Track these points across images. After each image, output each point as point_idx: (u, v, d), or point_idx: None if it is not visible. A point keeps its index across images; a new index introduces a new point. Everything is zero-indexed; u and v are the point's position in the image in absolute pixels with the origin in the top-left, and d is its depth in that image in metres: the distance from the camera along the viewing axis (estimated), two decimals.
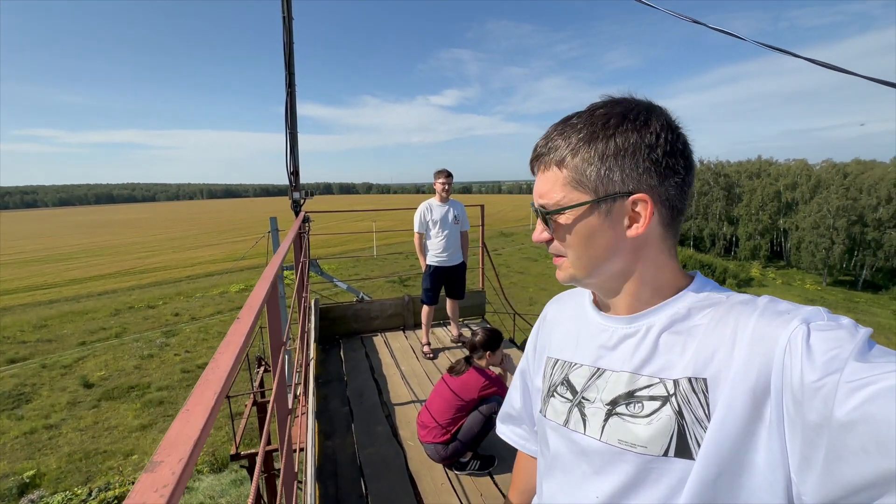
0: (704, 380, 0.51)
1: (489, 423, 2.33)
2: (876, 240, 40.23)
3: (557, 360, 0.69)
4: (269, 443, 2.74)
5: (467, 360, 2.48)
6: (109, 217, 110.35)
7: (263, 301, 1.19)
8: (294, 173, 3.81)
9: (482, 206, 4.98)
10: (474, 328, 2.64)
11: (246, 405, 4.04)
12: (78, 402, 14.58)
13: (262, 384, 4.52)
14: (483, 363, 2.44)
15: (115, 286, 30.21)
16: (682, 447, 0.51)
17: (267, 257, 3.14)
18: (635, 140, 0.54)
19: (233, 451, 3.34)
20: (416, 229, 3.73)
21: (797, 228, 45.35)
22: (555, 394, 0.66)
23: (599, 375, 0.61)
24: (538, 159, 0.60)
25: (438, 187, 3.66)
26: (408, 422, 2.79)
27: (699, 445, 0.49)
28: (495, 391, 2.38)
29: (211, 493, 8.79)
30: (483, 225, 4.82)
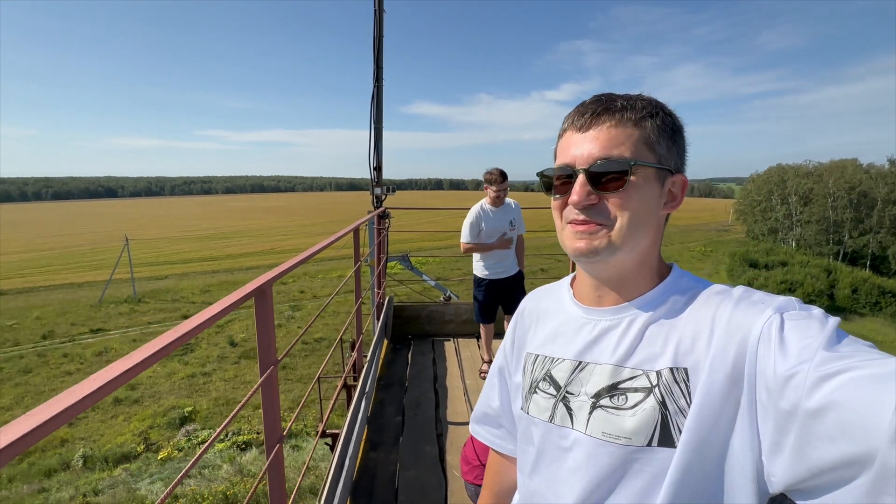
0: (685, 369, 0.52)
1: None
2: None
3: (538, 355, 0.68)
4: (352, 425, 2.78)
5: None
6: (258, 204, 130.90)
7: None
8: (377, 168, 3.78)
9: None
10: None
11: (336, 386, 4.33)
12: (225, 357, 17.65)
13: (353, 367, 4.81)
14: None
15: (259, 263, 35.76)
16: (665, 437, 0.51)
17: (356, 252, 3.23)
18: (680, 124, 0.59)
19: (320, 428, 3.60)
20: (464, 239, 3.15)
21: None
22: (537, 390, 0.65)
23: (582, 369, 0.60)
24: (606, 114, 0.56)
25: (492, 194, 3.09)
26: (459, 446, 2.54)
27: (681, 434, 0.50)
28: None
29: (315, 456, 9.85)
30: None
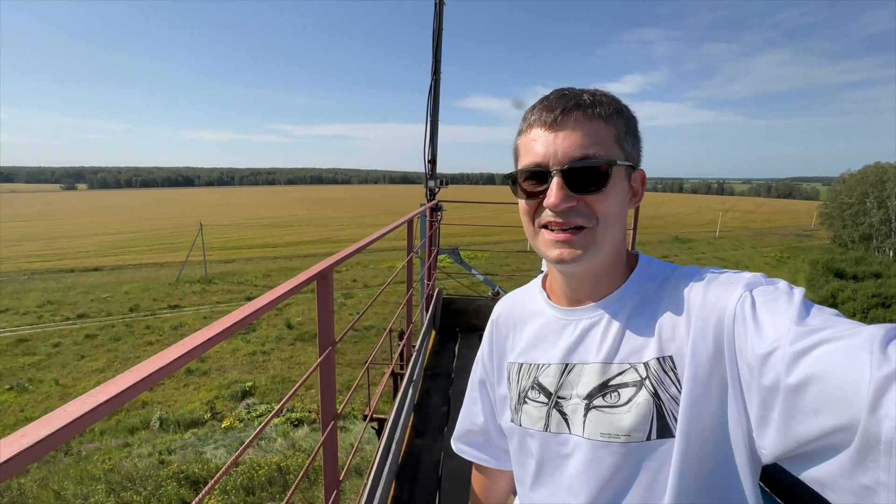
0: (671, 357, 0.52)
1: None
2: None
3: (522, 363, 0.66)
4: (399, 412, 2.86)
5: None
6: (317, 195, 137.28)
7: (323, 272, 1.19)
8: (431, 161, 3.80)
9: (636, 208, 4.30)
10: None
11: (384, 373, 4.47)
12: (282, 338, 18.84)
13: (401, 356, 4.93)
14: None
15: (316, 251, 37.60)
16: (663, 427, 0.51)
17: (409, 242, 3.30)
18: (637, 120, 0.59)
19: (368, 412, 3.73)
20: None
21: None
22: (527, 399, 0.63)
23: (570, 371, 0.59)
24: (577, 110, 0.53)
25: None
26: None
27: (676, 422, 0.51)
28: None
29: (359, 437, 10.25)
30: (635, 228, 4.15)
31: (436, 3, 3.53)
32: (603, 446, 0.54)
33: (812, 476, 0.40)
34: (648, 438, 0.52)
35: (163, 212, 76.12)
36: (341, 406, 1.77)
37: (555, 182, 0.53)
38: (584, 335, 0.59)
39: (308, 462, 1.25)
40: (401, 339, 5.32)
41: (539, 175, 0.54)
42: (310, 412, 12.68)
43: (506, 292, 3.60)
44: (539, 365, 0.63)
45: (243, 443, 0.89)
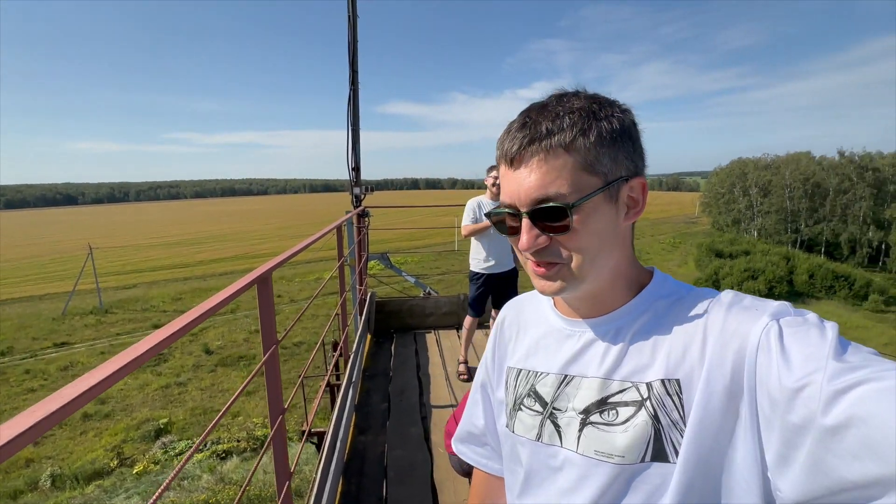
0: (678, 381, 0.49)
1: None
2: None
3: (521, 369, 0.64)
4: (337, 424, 2.86)
5: None
6: (231, 208, 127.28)
7: (262, 275, 1.25)
8: (355, 169, 3.91)
9: None
10: None
11: (320, 386, 4.37)
12: (200, 366, 17.20)
13: (336, 367, 4.85)
14: None
15: (233, 268, 34.85)
16: (659, 451, 0.49)
17: (339, 249, 3.31)
18: (629, 122, 0.53)
19: (305, 428, 3.65)
20: (465, 223, 3.29)
21: None
22: (522, 407, 0.61)
23: (568, 383, 0.57)
24: (532, 145, 0.50)
25: (489, 182, 3.19)
26: (442, 426, 2.71)
27: (675, 449, 0.48)
28: None
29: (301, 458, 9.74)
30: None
31: (349, 17, 3.62)
32: (596, 464, 0.52)
33: None
34: (643, 460, 0.50)
35: (39, 236, 65.33)
36: (275, 420, 1.77)
37: (524, 224, 0.52)
38: (587, 348, 0.57)
39: (249, 475, 1.26)
40: (335, 349, 5.25)
41: (514, 214, 0.53)
42: (238, 441, 11.78)
43: (437, 293, 3.76)
44: (538, 373, 0.61)
45: (161, 486, 0.81)
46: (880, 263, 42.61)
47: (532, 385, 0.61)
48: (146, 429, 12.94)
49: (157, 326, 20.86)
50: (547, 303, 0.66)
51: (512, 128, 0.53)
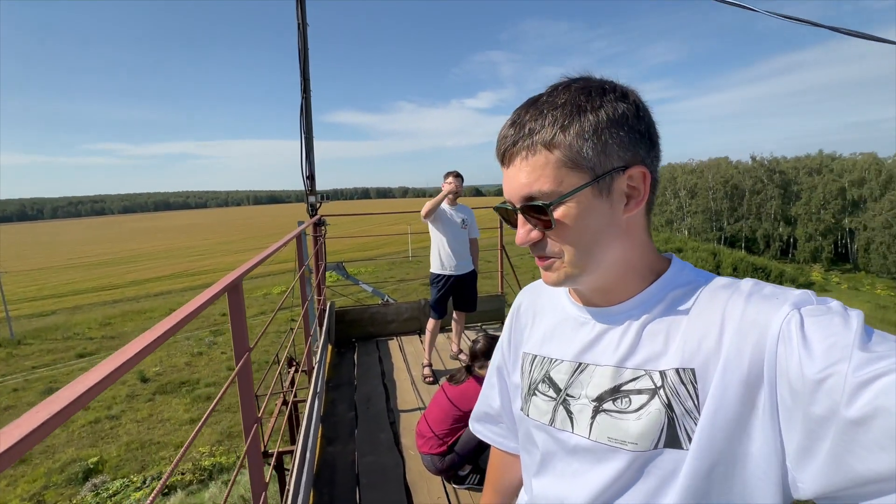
0: (692, 370, 0.49)
1: None
2: None
3: (536, 355, 0.65)
4: (293, 443, 2.80)
5: (468, 368, 2.41)
6: (165, 223, 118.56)
7: (233, 282, 1.26)
8: (310, 177, 3.89)
9: None
10: (477, 336, 2.55)
11: (276, 405, 4.20)
12: (136, 396, 15.75)
13: (292, 383, 4.68)
14: (484, 373, 2.34)
15: (170, 287, 32.41)
16: (672, 438, 0.49)
17: (296, 261, 3.23)
18: (623, 110, 0.50)
19: (262, 449, 3.49)
20: (424, 208, 3.32)
21: (865, 228, 41.48)
22: (536, 392, 0.63)
23: (582, 370, 0.58)
24: (516, 146, 0.51)
25: (446, 189, 3.31)
26: (411, 430, 2.73)
27: (689, 436, 0.48)
28: None
29: (248, 486, 9.19)
30: (501, 227, 4.74)
31: (299, 24, 3.60)
32: (610, 450, 0.53)
33: None
34: (656, 447, 0.50)
35: None
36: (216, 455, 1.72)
37: (519, 220, 0.54)
38: (601, 336, 0.57)
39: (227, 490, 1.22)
40: (290, 365, 5.08)
41: (512, 210, 0.55)
42: (183, 474, 10.92)
43: (395, 301, 3.78)
44: (552, 360, 0.62)
45: None
46: (790, 255, 48.01)
47: (547, 371, 0.62)
48: (72, 471, 11.63)
49: (82, 356, 18.92)
50: (563, 290, 0.65)
51: (504, 126, 0.55)
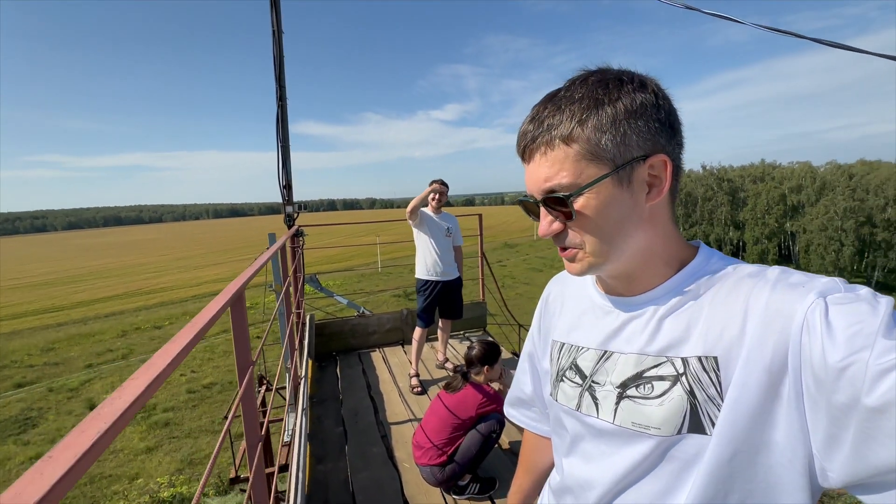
0: (715, 358, 0.49)
1: (488, 442, 2.22)
2: (886, 240, 39.76)
3: (563, 343, 0.68)
4: (268, 465, 2.64)
5: (464, 375, 2.38)
6: (117, 239, 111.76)
7: (234, 294, 1.18)
8: (287, 187, 3.80)
9: (480, 216, 4.87)
10: (472, 342, 2.52)
11: (240, 431, 3.97)
12: None
13: (263, 403, 4.45)
14: (481, 379, 2.34)
15: (123, 307, 30.39)
16: (696, 424, 0.50)
17: (266, 275, 3.09)
18: (642, 100, 0.51)
19: (231, 475, 3.26)
20: (409, 205, 3.27)
21: (805, 231, 44.88)
22: (564, 378, 0.65)
23: (607, 358, 0.59)
24: (535, 142, 0.53)
25: (431, 188, 3.31)
26: (404, 442, 2.67)
27: (712, 422, 0.49)
28: (494, 408, 2.27)
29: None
30: (481, 234, 4.76)
31: (273, 32, 3.53)
32: (634, 435, 0.55)
33: None
34: (679, 432, 0.51)
35: None
36: (204, 478, 1.61)
37: (541, 212, 0.56)
38: (625, 324, 0.59)
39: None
40: (261, 384, 4.85)
41: (535, 203, 0.57)
42: None
43: (372, 312, 3.69)
44: (579, 347, 0.64)
45: None
46: (740, 258, 50.96)
47: (574, 358, 0.64)
48: None
49: (20, 385, 17.28)
50: (590, 279, 0.67)
51: (524, 122, 0.56)
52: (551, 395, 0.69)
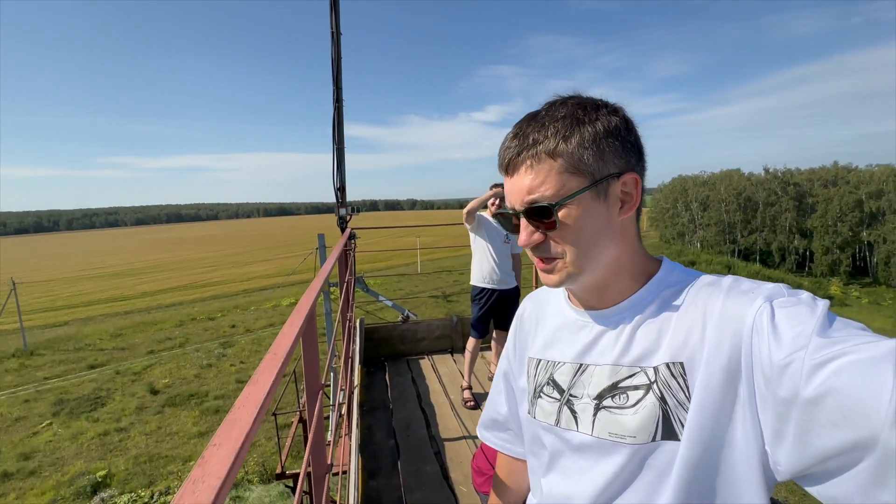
0: (681, 363, 0.52)
1: None
2: None
3: (540, 359, 0.68)
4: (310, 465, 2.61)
5: None
6: (177, 234, 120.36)
7: (305, 319, 1.09)
8: (341, 189, 3.79)
9: None
10: None
11: (293, 422, 4.02)
12: (145, 408, 15.63)
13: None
14: None
15: (181, 299, 32.60)
16: (668, 430, 0.52)
17: (314, 273, 3.10)
18: (616, 123, 0.56)
19: (278, 470, 3.29)
20: (466, 207, 3.13)
21: (885, 241, 40.53)
22: (542, 394, 0.66)
23: (583, 371, 0.61)
24: (521, 155, 0.56)
25: (491, 192, 3.11)
26: (460, 462, 2.51)
27: (683, 427, 0.51)
28: None
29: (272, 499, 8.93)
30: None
31: (332, 34, 3.56)
32: (612, 445, 0.56)
33: (827, 494, 0.40)
34: (653, 440, 0.53)
35: None
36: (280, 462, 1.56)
37: (522, 223, 0.57)
38: (599, 337, 0.60)
39: None
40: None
41: (515, 214, 0.58)
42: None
43: (417, 316, 3.56)
44: (555, 362, 0.65)
45: None
46: (806, 269, 46.95)
47: (550, 374, 0.65)
48: (80, 484, 11.48)
49: (93, 367, 18.91)
50: (562, 296, 0.69)
51: (507, 138, 0.59)
52: (529, 412, 0.69)
